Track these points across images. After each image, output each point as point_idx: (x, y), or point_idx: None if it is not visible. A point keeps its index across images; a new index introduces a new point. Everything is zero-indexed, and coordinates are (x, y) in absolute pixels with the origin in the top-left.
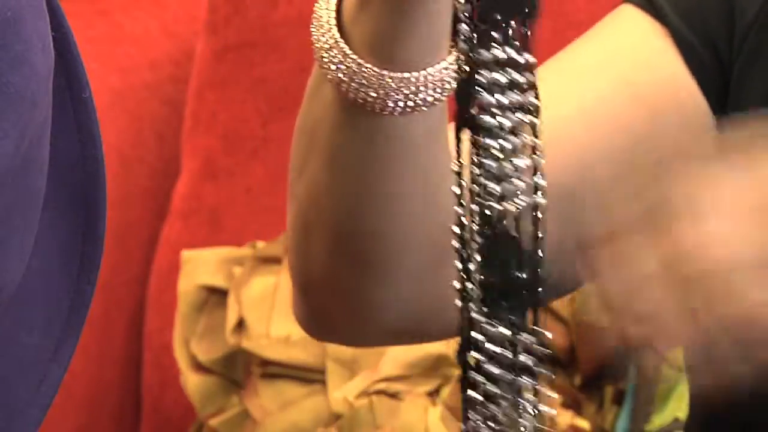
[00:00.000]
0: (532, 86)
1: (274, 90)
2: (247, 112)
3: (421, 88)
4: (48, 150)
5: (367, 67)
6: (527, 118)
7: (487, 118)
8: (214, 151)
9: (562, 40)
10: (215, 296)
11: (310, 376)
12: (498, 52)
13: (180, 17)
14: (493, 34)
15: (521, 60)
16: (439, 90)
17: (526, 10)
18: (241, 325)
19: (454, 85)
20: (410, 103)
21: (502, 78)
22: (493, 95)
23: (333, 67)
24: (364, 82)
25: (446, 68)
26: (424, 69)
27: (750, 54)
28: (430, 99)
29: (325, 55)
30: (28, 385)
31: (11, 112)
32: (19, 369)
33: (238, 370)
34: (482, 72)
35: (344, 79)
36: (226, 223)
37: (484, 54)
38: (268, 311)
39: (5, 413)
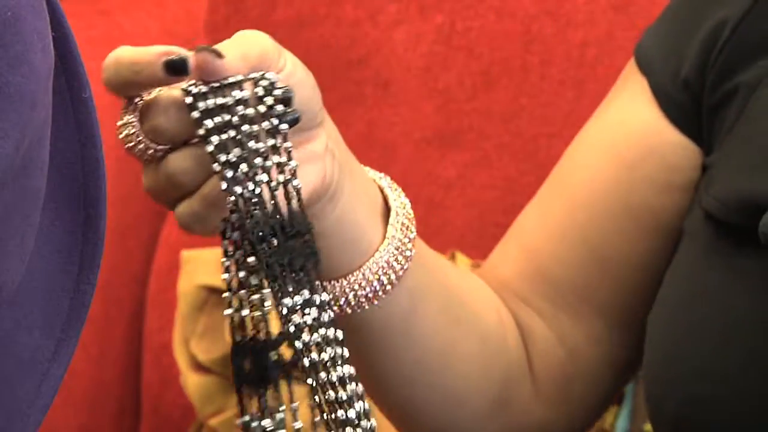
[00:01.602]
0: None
1: None
2: None
3: (342, 295)
4: (48, 150)
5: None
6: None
7: None
8: None
9: (563, 40)
10: (215, 296)
11: None
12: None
13: (180, 17)
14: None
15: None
16: (363, 298)
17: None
18: None
19: (377, 292)
20: (335, 309)
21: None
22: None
23: None
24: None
25: (364, 276)
26: (343, 278)
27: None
28: (353, 302)
29: None
30: (28, 385)
31: (11, 112)
32: (19, 369)
33: None
34: None
35: None
36: None
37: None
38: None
39: (5, 413)
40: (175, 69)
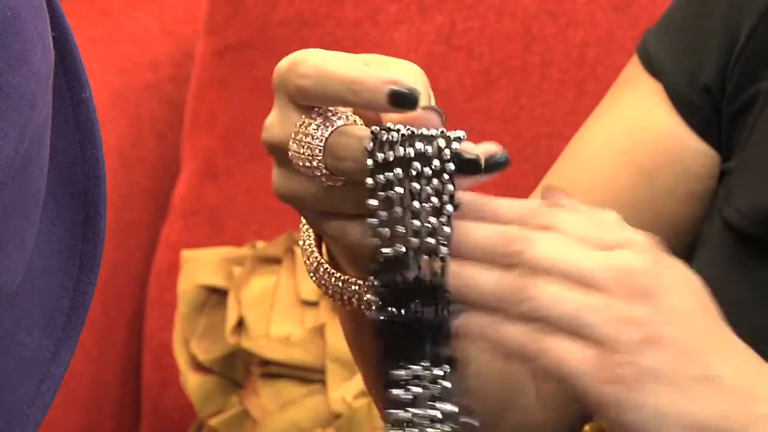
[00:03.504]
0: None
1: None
2: (247, 112)
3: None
4: (48, 150)
5: (337, 277)
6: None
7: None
8: (214, 151)
9: (563, 40)
10: (215, 296)
11: (310, 376)
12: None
13: (180, 17)
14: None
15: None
16: None
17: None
18: (240, 324)
19: None
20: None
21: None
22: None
23: (316, 280)
24: (337, 291)
25: None
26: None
27: (732, 94)
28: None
29: (312, 275)
30: (28, 385)
31: (11, 112)
32: (19, 369)
33: (238, 369)
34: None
35: (325, 289)
36: (226, 223)
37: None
38: (268, 311)
39: (5, 413)
40: (402, 103)
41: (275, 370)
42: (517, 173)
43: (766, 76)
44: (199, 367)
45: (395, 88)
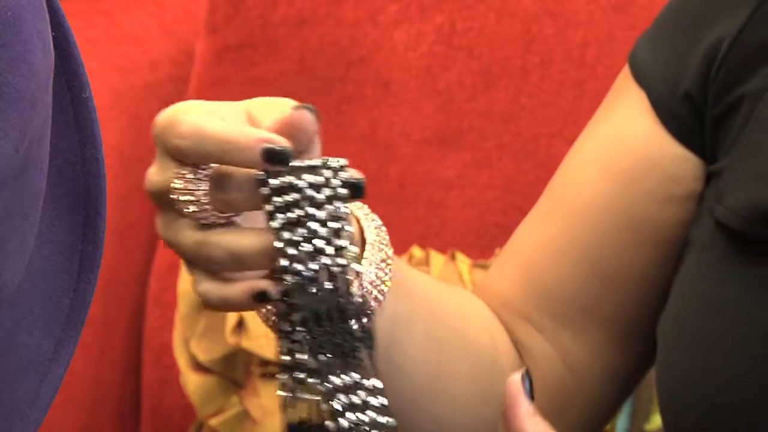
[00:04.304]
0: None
1: (274, 90)
2: None
3: None
4: (48, 150)
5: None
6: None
7: None
8: None
9: (563, 40)
10: None
11: None
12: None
13: (180, 17)
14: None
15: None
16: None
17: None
18: (240, 324)
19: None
20: None
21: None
22: None
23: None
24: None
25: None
26: None
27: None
28: None
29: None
30: (28, 385)
31: (11, 112)
32: (19, 369)
33: (238, 369)
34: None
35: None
36: None
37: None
38: None
39: (5, 413)
40: (276, 159)
41: (275, 370)
42: (516, 173)
43: (750, 80)
44: (199, 367)
45: (268, 146)
